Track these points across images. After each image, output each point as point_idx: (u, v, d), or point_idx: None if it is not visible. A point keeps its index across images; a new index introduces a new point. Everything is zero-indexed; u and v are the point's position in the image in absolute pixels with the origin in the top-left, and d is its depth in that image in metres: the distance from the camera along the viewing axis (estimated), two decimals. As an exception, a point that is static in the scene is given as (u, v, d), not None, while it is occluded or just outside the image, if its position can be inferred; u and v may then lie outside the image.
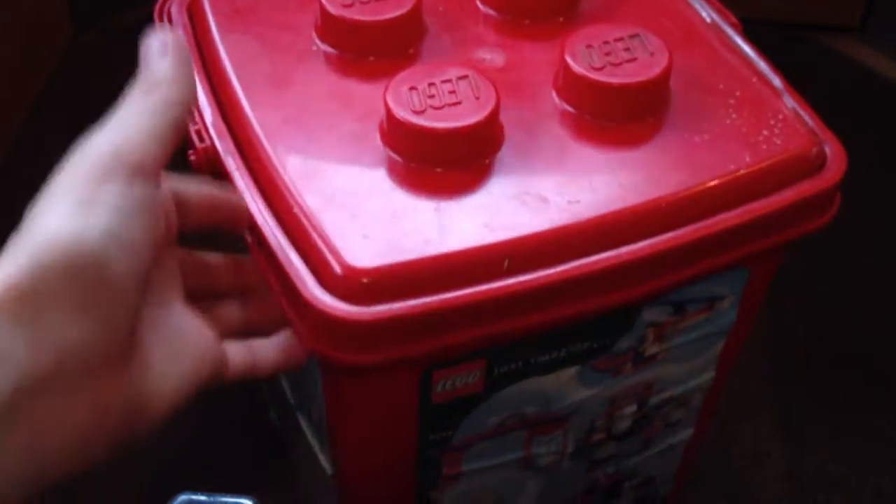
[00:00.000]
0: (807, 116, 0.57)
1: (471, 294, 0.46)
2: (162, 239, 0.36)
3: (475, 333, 0.47)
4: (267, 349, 0.45)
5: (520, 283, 0.47)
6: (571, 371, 0.56)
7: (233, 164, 0.50)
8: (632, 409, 0.63)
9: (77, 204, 0.33)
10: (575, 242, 0.48)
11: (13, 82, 1.16)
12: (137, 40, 0.44)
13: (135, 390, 0.36)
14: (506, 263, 0.47)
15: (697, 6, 0.64)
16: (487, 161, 0.51)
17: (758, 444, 0.90)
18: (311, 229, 0.46)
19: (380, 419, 0.53)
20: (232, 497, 0.46)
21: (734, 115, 0.55)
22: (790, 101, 0.57)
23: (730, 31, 0.62)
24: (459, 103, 0.50)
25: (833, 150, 0.56)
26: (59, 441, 0.33)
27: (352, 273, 0.45)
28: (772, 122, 0.55)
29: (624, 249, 0.49)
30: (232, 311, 0.46)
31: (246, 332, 0.45)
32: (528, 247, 0.48)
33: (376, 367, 0.47)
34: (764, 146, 0.53)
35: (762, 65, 0.60)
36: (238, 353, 0.43)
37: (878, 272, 1.06)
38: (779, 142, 0.54)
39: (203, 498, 0.46)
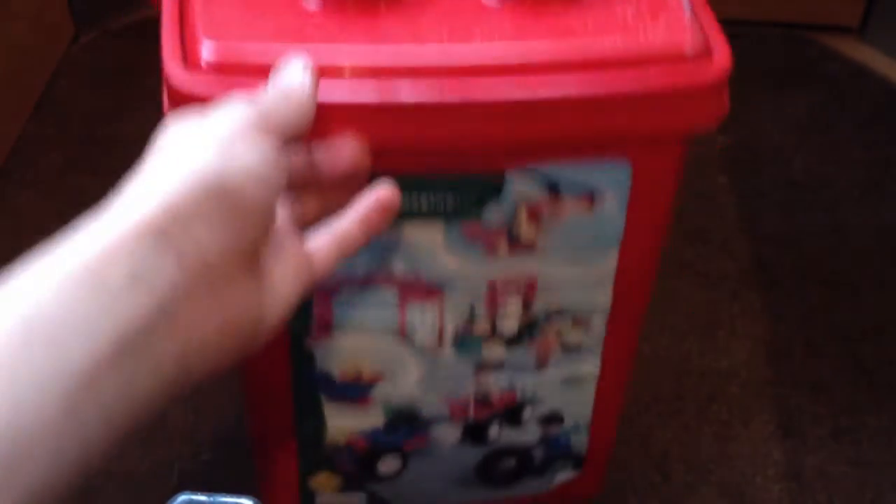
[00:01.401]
0: (693, 13, 0.57)
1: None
2: (284, 182, 0.42)
3: None
4: (349, 225, 0.48)
5: (353, 100, 0.50)
6: (438, 228, 0.58)
7: None
8: (516, 305, 0.63)
9: (221, 147, 0.40)
10: (408, 75, 0.51)
11: (13, 82, 1.16)
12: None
13: (258, 303, 0.41)
14: (346, 71, 0.50)
15: None
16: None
17: (758, 444, 0.90)
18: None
19: None
20: (232, 497, 0.46)
21: (625, 4, 0.56)
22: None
23: None
24: None
25: (719, 50, 0.57)
26: (202, 346, 0.37)
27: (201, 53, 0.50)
28: (659, 13, 0.56)
29: (479, 90, 0.51)
30: (310, 204, 0.49)
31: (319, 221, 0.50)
32: (370, 67, 0.51)
33: None
34: (644, 32, 0.54)
35: None
36: (324, 245, 0.47)
37: (878, 272, 1.06)
38: (658, 30, 0.55)
39: (203, 498, 0.46)
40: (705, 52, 0.55)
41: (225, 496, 0.46)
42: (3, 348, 0.32)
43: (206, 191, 0.38)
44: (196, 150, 0.39)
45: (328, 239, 0.46)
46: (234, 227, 0.39)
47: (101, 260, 0.35)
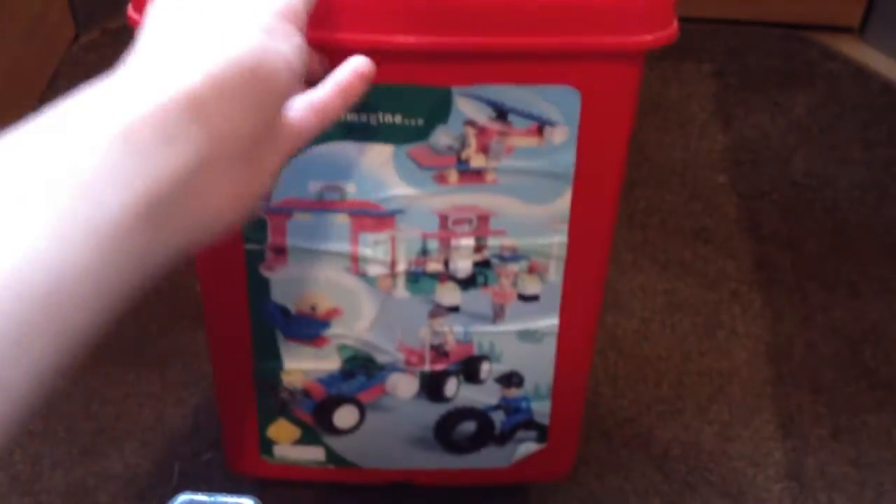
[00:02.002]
0: None
1: None
2: (305, 72, 0.45)
3: None
4: (328, 95, 0.49)
5: None
6: (387, 151, 0.59)
7: None
8: (468, 241, 0.64)
9: (263, 31, 0.42)
10: None
11: (14, 82, 1.16)
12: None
13: (260, 180, 0.44)
14: None
15: None
16: None
17: (758, 444, 0.90)
18: None
19: None
20: (232, 497, 0.46)
21: None
22: None
23: None
24: None
25: None
26: (215, 210, 0.40)
27: None
28: None
29: None
30: None
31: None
32: None
33: None
34: None
35: None
36: (305, 115, 0.48)
37: (878, 272, 1.06)
38: None
39: (203, 498, 0.46)
40: None
41: (225, 496, 0.46)
42: (45, 197, 0.34)
43: (248, 71, 0.40)
44: (241, 31, 0.42)
45: (307, 108, 0.47)
46: (262, 109, 0.42)
47: (138, 122, 0.37)
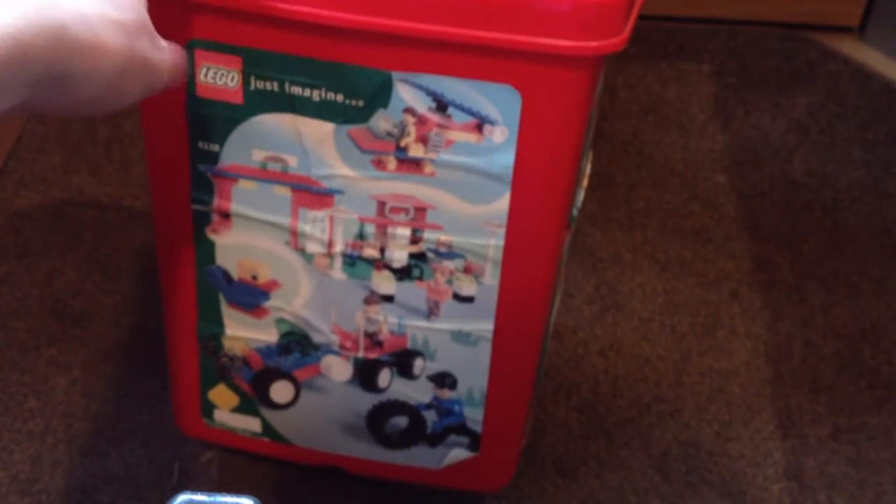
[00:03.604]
0: None
1: None
2: None
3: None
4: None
5: None
6: (328, 128, 0.61)
7: None
8: (404, 231, 0.65)
9: None
10: None
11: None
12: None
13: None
14: None
15: None
16: None
17: (758, 444, 0.90)
18: None
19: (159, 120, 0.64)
20: (232, 497, 0.46)
21: None
22: None
23: None
24: None
25: None
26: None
27: None
28: None
29: None
30: None
31: None
32: None
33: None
34: None
35: None
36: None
37: (878, 272, 1.06)
38: None
39: (203, 498, 0.46)
40: None
41: (225, 496, 0.46)
42: None
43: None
44: None
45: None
46: None
47: None
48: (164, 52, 0.50)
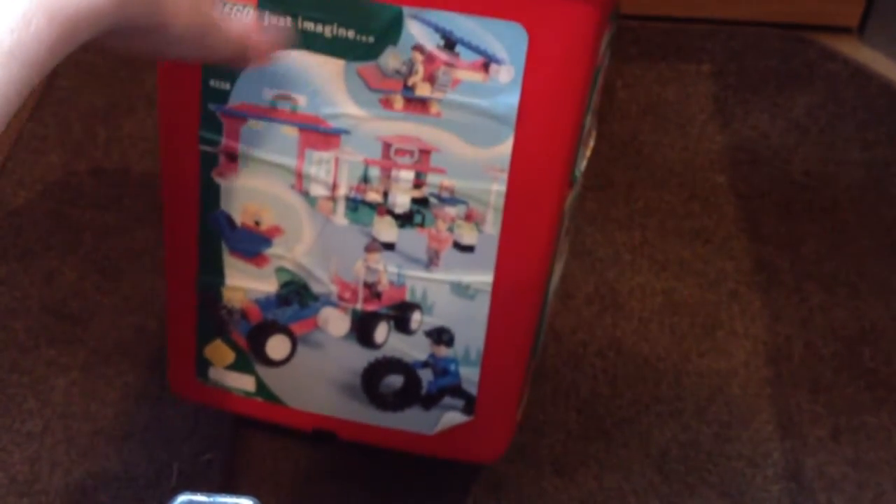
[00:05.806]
0: None
1: None
2: None
3: None
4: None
5: None
6: (338, 65, 0.62)
7: None
8: (408, 175, 0.65)
9: None
10: None
11: (13, 82, 1.16)
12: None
13: None
14: None
15: None
16: None
17: (757, 445, 0.90)
18: None
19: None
20: (232, 497, 0.46)
21: None
22: None
23: None
24: None
25: None
26: None
27: None
28: None
29: None
30: None
31: None
32: None
33: None
34: None
35: None
36: None
37: (878, 272, 1.06)
38: None
39: (203, 498, 0.46)
40: None
41: (225, 496, 0.46)
42: None
43: None
44: None
45: None
46: None
47: None
48: (230, 21, 0.53)
